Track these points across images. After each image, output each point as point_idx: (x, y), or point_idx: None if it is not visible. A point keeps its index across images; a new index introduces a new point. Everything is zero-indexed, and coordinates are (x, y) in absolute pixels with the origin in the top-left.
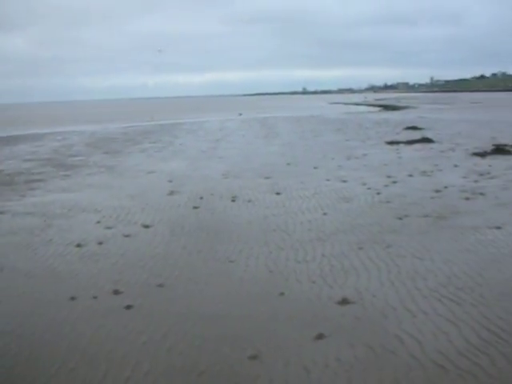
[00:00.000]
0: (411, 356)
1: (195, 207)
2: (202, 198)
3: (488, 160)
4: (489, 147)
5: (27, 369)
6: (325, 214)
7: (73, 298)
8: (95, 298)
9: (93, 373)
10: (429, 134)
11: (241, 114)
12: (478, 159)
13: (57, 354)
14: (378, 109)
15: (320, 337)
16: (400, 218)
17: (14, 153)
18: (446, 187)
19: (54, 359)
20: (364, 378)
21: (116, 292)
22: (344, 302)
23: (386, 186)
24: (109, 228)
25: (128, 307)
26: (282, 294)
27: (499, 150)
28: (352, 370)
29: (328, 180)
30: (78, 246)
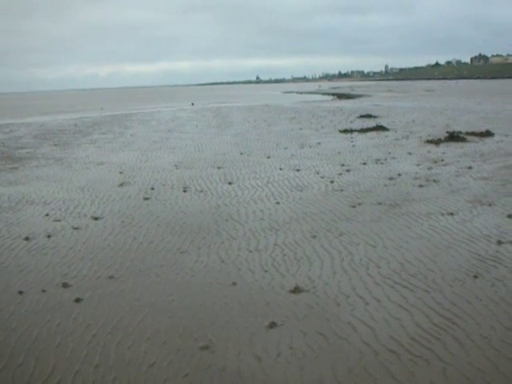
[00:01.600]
0: (364, 343)
1: (146, 198)
2: (153, 188)
3: (442, 147)
4: (443, 134)
5: None
6: (277, 202)
7: (21, 292)
8: (44, 291)
9: (41, 368)
10: (383, 122)
11: (193, 104)
12: (431, 146)
13: (4, 349)
14: (332, 97)
15: (272, 325)
16: (353, 206)
17: None
18: (399, 175)
19: (3, 356)
20: (317, 366)
21: (65, 285)
22: (296, 290)
23: (340, 174)
24: (58, 221)
25: (77, 300)
26: (234, 283)
27: (453, 137)
28: (305, 358)
29: (281, 169)
30: (27, 239)
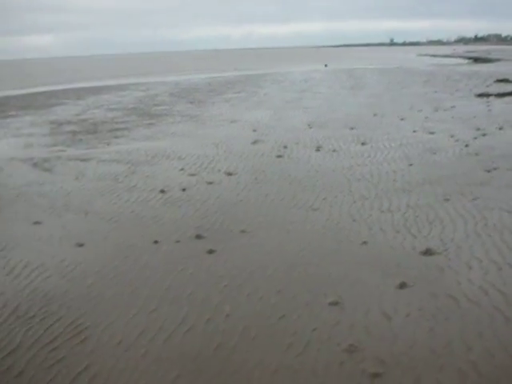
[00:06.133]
0: (495, 308)
1: (279, 156)
2: (285, 147)
3: None
4: None
5: (110, 308)
6: (411, 164)
7: (156, 242)
8: (178, 242)
9: (174, 314)
10: None
11: (326, 65)
12: None
13: (139, 295)
14: (467, 61)
15: (402, 286)
16: (488, 171)
17: (99, 102)
18: None
19: (135, 300)
20: (446, 329)
21: (198, 237)
22: (428, 252)
23: (475, 138)
24: (192, 175)
25: (210, 251)
26: (365, 242)
27: None
28: (434, 320)
29: (415, 131)
30: (162, 191)
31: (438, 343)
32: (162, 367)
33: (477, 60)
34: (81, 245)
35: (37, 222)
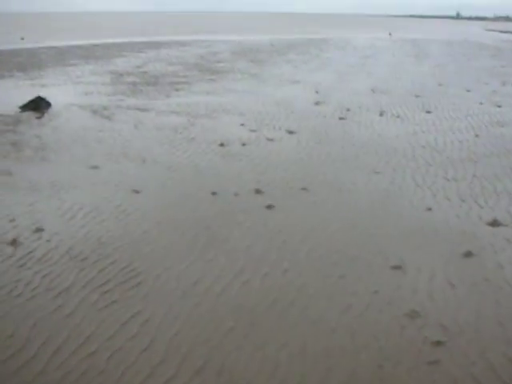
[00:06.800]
0: None
1: (341, 118)
2: (348, 109)
3: None
4: None
5: (165, 254)
6: (477, 136)
7: (214, 193)
8: (236, 195)
9: (230, 265)
10: None
11: (390, 34)
12: None
13: (195, 244)
14: None
15: (468, 255)
16: None
17: (160, 56)
18: None
19: (191, 249)
20: None
21: (258, 191)
22: (495, 223)
23: None
24: (253, 131)
25: (269, 207)
26: (429, 209)
27: None
28: (501, 292)
29: (481, 104)
30: (221, 145)
31: (505, 316)
32: (216, 318)
33: None
34: (137, 191)
35: (94, 167)
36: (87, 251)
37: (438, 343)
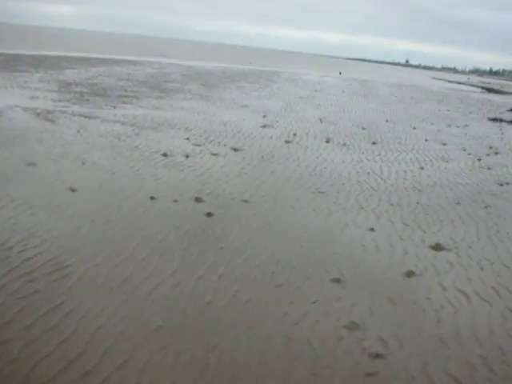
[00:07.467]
0: (509, 309)
1: (287, 141)
2: (295, 134)
3: None
4: None
5: (97, 251)
6: (422, 168)
7: (152, 198)
8: (176, 201)
9: (163, 266)
10: None
11: (341, 73)
12: None
13: (129, 243)
14: (480, 90)
15: (410, 274)
16: (501, 185)
17: (111, 72)
18: None
19: (125, 247)
20: (455, 321)
21: (198, 200)
22: (438, 247)
23: (488, 154)
24: (197, 145)
25: (208, 214)
26: (372, 229)
27: None
28: (443, 311)
29: (427, 140)
30: (164, 155)
31: (447, 333)
32: (144, 316)
33: (490, 90)
34: (74, 190)
35: (31, 164)
36: (13, 240)
37: (378, 355)
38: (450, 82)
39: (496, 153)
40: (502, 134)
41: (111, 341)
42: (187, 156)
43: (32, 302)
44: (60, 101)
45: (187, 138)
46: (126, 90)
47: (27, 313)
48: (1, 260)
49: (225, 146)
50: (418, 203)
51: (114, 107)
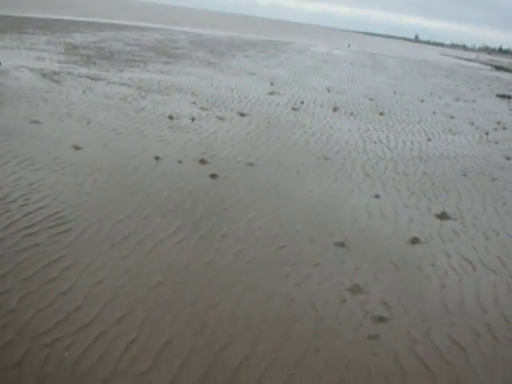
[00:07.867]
0: None
1: (294, 108)
2: (302, 102)
3: None
4: None
5: (99, 207)
6: (429, 139)
7: (157, 158)
8: (180, 162)
9: (166, 224)
10: None
11: (349, 46)
12: None
13: (132, 201)
14: (489, 67)
15: (415, 241)
16: (508, 159)
17: (119, 37)
18: None
19: (127, 205)
20: (459, 289)
21: (202, 161)
22: (444, 216)
23: (495, 129)
24: (203, 109)
25: (213, 176)
26: (377, 196)
27: None
28: (447, 278)
29: (434, 113)
30: (170, 117)
31: (451, 300)
32: (144, 272)
33: (499, 68)
34: (78, 148)
35: (35, 121)
36: (14, 196)
37: (380, 319)
38: (459, 58)
39: (504, 128)
40: (511, 110)
41: (110, 295)
42: (193, 119)
43: (32, 255)
44: (67, 63)
45: (194, 102)
46: (133, 55)
47: (27, 265)
48: (1, 213)
49: (231, 110)
50: (424, 173)
51: (121, 70)
